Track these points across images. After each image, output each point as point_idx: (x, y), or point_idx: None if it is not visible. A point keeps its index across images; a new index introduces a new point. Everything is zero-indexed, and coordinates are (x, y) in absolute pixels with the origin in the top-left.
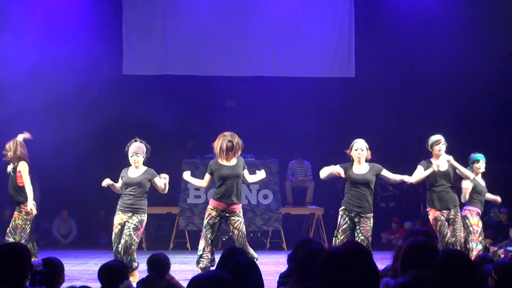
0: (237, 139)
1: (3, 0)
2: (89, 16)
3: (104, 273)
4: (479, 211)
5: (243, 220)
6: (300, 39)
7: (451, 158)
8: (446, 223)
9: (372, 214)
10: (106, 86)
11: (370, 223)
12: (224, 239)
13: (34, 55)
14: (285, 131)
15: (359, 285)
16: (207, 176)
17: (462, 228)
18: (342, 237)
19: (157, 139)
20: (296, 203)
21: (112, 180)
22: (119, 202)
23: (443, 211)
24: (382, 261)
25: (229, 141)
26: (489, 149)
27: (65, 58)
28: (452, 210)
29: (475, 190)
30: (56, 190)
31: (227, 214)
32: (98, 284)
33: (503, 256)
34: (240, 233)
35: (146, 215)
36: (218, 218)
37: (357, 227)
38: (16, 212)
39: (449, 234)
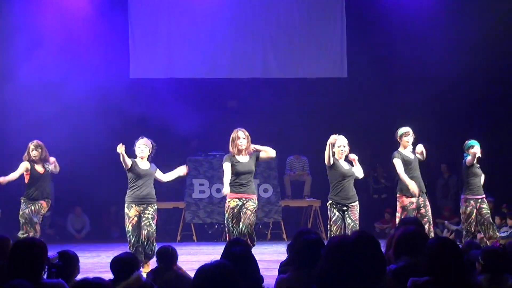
0: (247, 134)
1: (15, 13)
2: (97, 25)
3: (116, 265)
4: (471, 197)
5: (256, 207)
6: (295, 43)
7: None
8: (413, 213)
9: (357, 202)
10: (115, 88)
11: (357, 209)
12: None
13: (45, 64)
14: (283, 129)
15: (367, 272)
16: (228, 165)
17: (430, 209)
18: (335, 229)
19: (163, 137)
20: (294, 196)
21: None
22: (130, 195)
23: (412, 198)
24: None
25: (239, 133)
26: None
27: (75, 64)
28: (420, 197)
29: (473, 174)
30: (69, 188)
31: (245, 202)
32: (111, 275)
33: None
34: (251, 213)
35: (156, 203)
36: (238, 207)
37: (346, 213)
38: (44, 203)
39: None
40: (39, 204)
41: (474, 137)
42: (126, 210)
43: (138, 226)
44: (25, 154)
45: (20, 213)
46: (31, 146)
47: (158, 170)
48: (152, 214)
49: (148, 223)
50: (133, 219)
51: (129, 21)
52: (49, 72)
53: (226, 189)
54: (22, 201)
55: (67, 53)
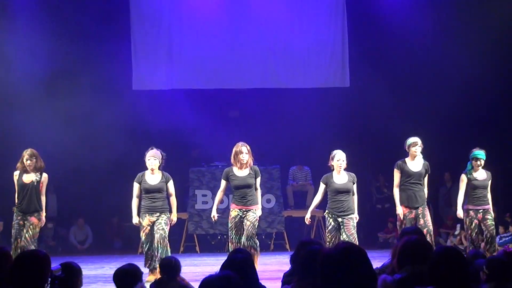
0: (248, 148)
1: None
2: (100, 38)
3: (119, 277)
4: (472, 207)
5: (257, 217)
6: (297, 53)
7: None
8: (412, 223)
9: (354, 215)
10: (117, 101)
11: (354, 222)
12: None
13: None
14: (285, 139)
15: (357, 282)
16: (223, 183)
17: (430, 220)
18: (330, 238)
19: (165, 148)
20: (297, 206)
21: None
22: (143, 205)
23: (411, 209)
24: (380, 259)
25: (242, 148)
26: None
27: (78, 77)
28: (420, 207)
29: (472, 186)
30: (72, 200)
31: (245, 212)
32: (114, 287)
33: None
34: (250, 224)
35: (169, 213)
36: (239, 217)
37: (341, 226)
38: (35, 220)
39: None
40: (31, 224)
41: (476, 144)
42: (140, 219)
43: (151, 235)
44: (19, 162)
45: (12, 223)
46: (26, 155)
47: (171, 181)
48: (165, 220)
49: (161, 227)
50: (146, 228)
51: (132, 34)
52: (52, 85)
53: (213, 213)
54: (14, 211)
55: (72, 60)
